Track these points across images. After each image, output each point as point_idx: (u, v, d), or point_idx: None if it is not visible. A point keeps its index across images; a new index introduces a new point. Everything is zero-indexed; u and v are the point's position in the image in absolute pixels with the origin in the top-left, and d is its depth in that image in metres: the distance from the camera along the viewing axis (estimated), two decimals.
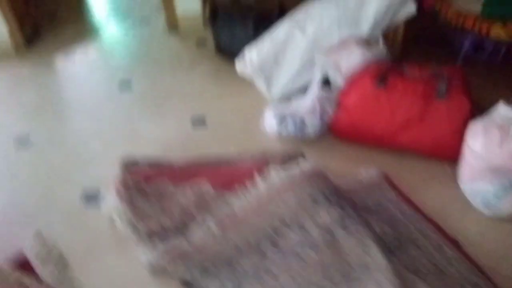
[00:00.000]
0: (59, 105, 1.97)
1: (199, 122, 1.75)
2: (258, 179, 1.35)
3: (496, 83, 1.85)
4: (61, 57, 2.31)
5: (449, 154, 1.46)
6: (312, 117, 1.57)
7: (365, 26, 1.65)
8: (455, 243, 1.21)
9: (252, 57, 1.76)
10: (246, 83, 1.85)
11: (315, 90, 1.60)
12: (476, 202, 1.34)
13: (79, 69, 2.23)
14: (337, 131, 1.60)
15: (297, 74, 1.76)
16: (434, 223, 1.28)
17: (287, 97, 1.76)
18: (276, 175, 1.34)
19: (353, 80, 1.55)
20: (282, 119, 1.61)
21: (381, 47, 1.67)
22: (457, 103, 1.41)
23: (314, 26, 1.66)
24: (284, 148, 1.57)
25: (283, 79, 1.78)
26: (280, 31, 1.73)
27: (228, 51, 2.06)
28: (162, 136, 1.68)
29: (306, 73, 1.75)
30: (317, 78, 1.63)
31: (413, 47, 1.93)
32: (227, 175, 1.43)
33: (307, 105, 1.59)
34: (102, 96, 2.00)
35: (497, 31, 1.61)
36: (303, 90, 1.71)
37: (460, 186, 1.40)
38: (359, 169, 1.47)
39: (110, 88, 2.03)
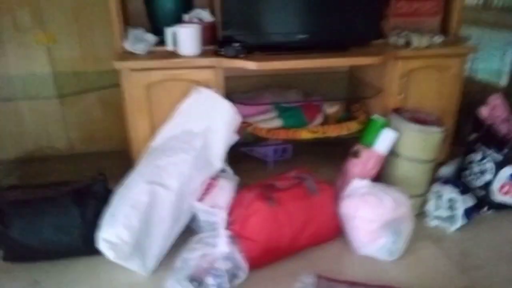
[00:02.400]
0: None
1: None
2: None
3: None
4: None
5: (334, 234, 1.74)
6: (229, 263, 1.49)
7: (218, 161, 1.74)
8: None
9: (122, 237, 1.47)
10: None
11: (222, 239, 1.52)
12: (383, 255, 1.66)
13: None
14: (253, 263, 1.57)
15: (169, 234, 1.62)
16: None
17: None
18: None
19: (246, 209, 1.60)
20: (199, 284, 1.44)
21: (230, 172, 1.80)
22: (326, 191, 1.72)
23: (176, 178, 1.60)
24: None
25: (157, 246, 1.58)
26: (139, 195, 1.55)
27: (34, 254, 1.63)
28: None
29: (177, 227, 1.64)
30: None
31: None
32: None
33: (219, 254, 1.50)
34: None
35: (306, 134, 2.05)
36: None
37: (357, 252, 1.70)
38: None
39: None
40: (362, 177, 1.82)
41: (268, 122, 2.04)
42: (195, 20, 1.90)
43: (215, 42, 1.89)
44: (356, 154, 1.87)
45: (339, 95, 2.38)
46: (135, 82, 1.76)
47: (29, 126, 2.38)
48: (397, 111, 1.97)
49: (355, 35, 1.95)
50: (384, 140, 1.84)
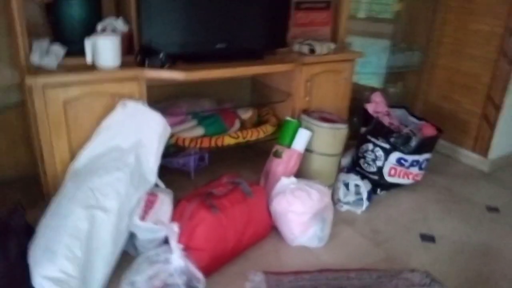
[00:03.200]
0: None
1: None
2: None
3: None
4: None
5: (267, 231, 1.87)
6: (184, 276, 1.49)
7: (152, 176, 1.69)
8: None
9: (66, 270, 1.35)
10: None
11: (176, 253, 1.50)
12: (313, 243, 1.85)
13: None
14: (203, 272, 1.59)
15: (111, 258, 1.53)
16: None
17: None
18: None
19: (190, 220, 1.60)
20: None
21: (163, 186, 1.78)
22: (259, 192, 1.84)
23: (114, 198, 1.52)
24: None
25: (100, 274, 1.49)
26: (78, 222, 1.43)
27: None
28: None
29: (117, 251, 1.57)
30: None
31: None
32: None
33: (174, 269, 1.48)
34: None
35: (229, 140, 2.11)
36: None
37: (291, 244, 1.86)
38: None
39: None
40: (286, 175, 1.99)
41: (190, 131, 2.06)
42: (109, 30, 1.80)
43: (132, 52, 1.83)
44: (278, 155, 2.02)
45: (246, 100, 2.51)
46: (50, 99, 1.60)
47: None
48: (306, 112, 2.19)
49: (267, 44, 2.10)
50: (300, 139, 2.03)
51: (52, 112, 1.62)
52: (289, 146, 2.05)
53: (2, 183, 2.06)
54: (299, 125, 2.07)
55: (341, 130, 2.08)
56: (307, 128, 2.06)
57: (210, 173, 2.28)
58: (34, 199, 1.68)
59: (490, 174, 2.64)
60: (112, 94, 1.71)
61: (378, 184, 2.33)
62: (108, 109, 1.71)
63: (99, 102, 1.70)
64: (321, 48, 2.15)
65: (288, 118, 2.11)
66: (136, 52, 1.78)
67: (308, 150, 2.08)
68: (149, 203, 1.64)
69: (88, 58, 1.67)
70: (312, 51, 2.15)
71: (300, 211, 1.80)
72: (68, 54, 1.74)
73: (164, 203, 1.66)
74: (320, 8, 2.36)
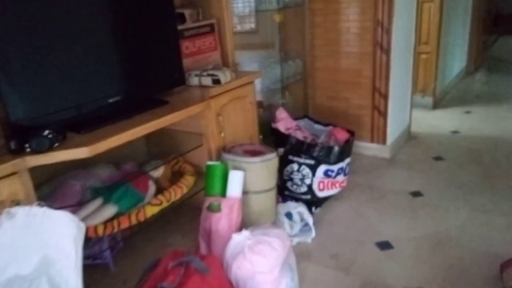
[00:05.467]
0: None
1: None
2: None
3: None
4: None
5: None
6: None
7: None
8: None
9: None
10: None
11: None
12: None
13: None
14: None
15: None
16: None
17: None
18: None
19: None
20: None
21: None
22: (214, 264, 1.49)
23: None
24: None
25: None
26: None
27: None
28: None
29: None
30: None
31: None
32: None
33: None
34: None
35: (152, 210, 1.70)
36: None
37: None
38: None
39: None
40: (232, 229, 1.70)
41: (98, 214, 1.59)
42: None
43: None
44: (215, 208, 1.71)
45: (143, 153, 2.11)
46: None
47: None
48: (225, 150, 1.92)
49: (164, 85, 1.76)
50: (234, 183, 1.76)
51: None
52: (222, 194, 1.75)
53: None
54: (226, 167, 1.80)
55: (273, 161, 1.88)
56: (235, 168, 1.80)
57: (132, 256, 1.83)
58: None
59: (392, 159, 2.78)
60: None
61: (311, 202, 2.21)
62: None
63: None
64: (225, 76, 1.91)
65: (210, 163, 1.81)
66: (8, 137, 1.26)
67: (242, 192, 1.81)
68: None
69: None
70: (216, 81, 1.88)
71: (267, 268, 1.53)
72: None
73: None
74: (205, 33, 2.10)
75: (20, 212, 1.19)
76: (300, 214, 2.00)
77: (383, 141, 2.79)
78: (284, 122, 2.35)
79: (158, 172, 1.87)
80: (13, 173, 1.22)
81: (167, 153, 2.08)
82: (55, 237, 1.22)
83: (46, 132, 1.25)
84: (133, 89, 1.70)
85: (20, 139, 1.24)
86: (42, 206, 1.23)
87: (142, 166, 1.93)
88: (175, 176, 1.95)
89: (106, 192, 1.68)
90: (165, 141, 2.10)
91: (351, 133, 2.34)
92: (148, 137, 2.17)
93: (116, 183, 1.74)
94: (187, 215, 2.02)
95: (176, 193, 1.77)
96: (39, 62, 1.35)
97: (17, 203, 1.22)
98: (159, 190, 1.81)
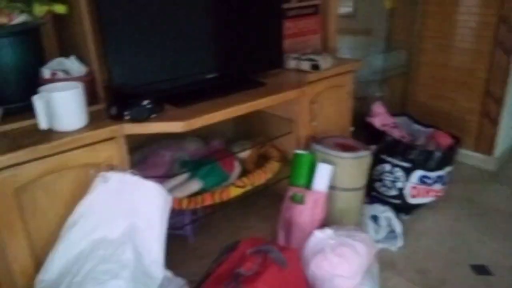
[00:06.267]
0: None
1: None
2: None
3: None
4: None
5: None
6: None
7: (158, 270, 1.23)
8: None
9: None
10: None
11: None
12: None
13: None
14: None
15: None
16: None
17: None
18: None
19: None
20: None
21: (173, 277, 1.31)
22: (293, 259, 1.42)
23: None
24: None
25: None
26: None
27: None
28: None
29: None
30: None
31: None
32: None
33: None
34: None
35: (235, 191, 1.67)
36: None
37: None
38: None
39: None
40: (314, 224, 1.61)
41: (184, 187, 1.60)
42: (60, 74, 1.30)
43: (95, 101, 1.34)
44: (298, 200, 1.63)
45: (230, 132, 2.09)
46: None
47: None
48: (315, 140, 1.83)
49: (262, 66, 1.70)
50: (322, 177, 1.66)
51: None
52: (306, 186, 1.67)
53: None
54: (314, 158, 1.70)
55: (366, 158, 1.74)
56: (324, 160, 1.69)
57: (209, 232, 1.83)
58: None
59: (498, 173, 2.46)
60: (83, 166, 1.21)
61: (400, 208, 2.03)
62: (78, 189, 1.21)
63: (65, 181, 1.20)
64: (325, 62, 1.79)
65: (299, 151, 1.72)
66: (109, 103, 1.29)
67: (329, 187, 1.71)
68: None
69: (42, 122, 1.16)
70: (315, 67, 1.78)
71: (348, 273, 1.43)
72: (4, 116, 1.22)
73: None
74: (308, 14, 1.99)
75: (114, 177, 1.22)
76: (387, 219, 1.84)
77: (490, 152, 2.48)
78: (380, 118, 2.18)
79: (245, 154, 1.83)
80: (110, 138, 1.25)
81: (254, 134, 2.03)
82: (144, 206, 1.24)
83: (146, 102, 1.25)
84: (231, 67, 1.66)
85: (121, 106, 1.26)
86: (135, 174, 1.24)
87: (230, 145, 1.90)
88: (260, 160, 1.89)
89: (192, 166, 1.68)
90: (253, 122, 2.05)
91: (456, 139, 2.10)
92: (236, 116, 2.14)
93: (203, 158, 1.73)
94: (268, 200, 1.97)
95: (260, 178, 1.72)
96: (145, 32, 1.36)
97: (111, 168, 1.25)
98: (244, 172, 1.77)
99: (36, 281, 1.14)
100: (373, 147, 2.06)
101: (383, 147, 2.03)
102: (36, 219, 1.17)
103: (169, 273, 1.29)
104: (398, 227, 1.82)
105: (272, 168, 1.78)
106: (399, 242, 1.81)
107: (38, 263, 1.17)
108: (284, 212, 1.72)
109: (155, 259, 1.23)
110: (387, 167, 2.01)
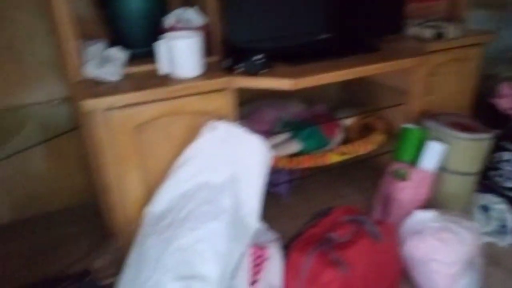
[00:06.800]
0: None
1: None
2: None
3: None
4: None
5: (397, 280, 1.42)
6: None
7: (254, 220, 1.27)
8: None
9: None
10: None
11: None
12: None
13: None
14: None
15: None
16: None
17: None
18: None
19: (312, 284, 1.18)
20: None
21: (266, 231, 1.35)
22: (389, 235, 1.37)
23: (213, 261, 1.10)
24: None
25: None
26: None
27: None
28: None
29: None
30: None
31: None
32: None
33: None
34: None
35: (335, 158, 1.65)
36: None
37: None
38: None
39: None
40: (415, 203, 1.52)
41: (284, 147, 1.61)
42: (181, 24, 1.36)
43: (209, 53, 1.39)
44: (401, 176, 1.55)
45: (336, 98, 2.02)
46: (116, 124, 1.18)
47: None
48: (428, 116, 1.69)
49: (380, 30, 1.59)
50: (432, 156, 1.54)
51: (119, 140, 1.20)
52: (412, 163, 1.56)
53: (56, 213, 1.71)
54: (425, 135, 1.58)
55: (485, 142, 1.57)
56: (436, 138, 1.56)
57: (303, 194, 1.83)
58: (95, 240, 1.34)
59: None
60: (194, 113, 1.28)
61: None
62: (189, 133, 1.28)
63: (178, 124, 1.27)
64: (451, 31, 1.62)
65: (408, 126, 1.61)
66: (223, 55, 1.32)
67: (438, 168, 1.58)
68: (258, 259, 1.21)
69: (164, 67, 1.24)
70: (439, 35, 1.62)
71: (448, 260, 1.33)
72: (129, 59, 1.33)
73: (275, 259, 1.23)
74: None
75: (222, 126, 1.27)
76: (500, 211, 1.66)
77: None
78: (507, 100, 1.93)
79: (349, 122, 1.77)
80: (222, 89, 1.28)
81: (359, 103, 1.95)
82: (246, 158, 1.27)
83: (259, 57, 1.26)
84: (345, 28, 1.58)
85: (234, 59, 1.28)
86: (242, 127, 1.27)
87: (333, 111, 1.85)
88: (364, 130, 1.82)
89: (294, 127, 1.67)
90: (359, 90, 1.96)
91: None
92: (343, 81, 2.06)
93: (305, 121, 1.71)
94: (366, 172, 1.89)
95: (362, 148, 1.65)
96: None
97: (220, 117, 1.29)
98: (345, 140, 1.72)
99: (144, 211, 1.26)
100: (495, 131, 1.86)
101: (505, 133, 1.81)
102: (149, 156, 1.27)
103: (262, 226, 1.33)
104: (511, 222, 1.64)
105: (376, 139, 1.70)
106: (510, 239, 1.63)
107: (147, 194, 1.28)
108: (383, 187, 1.64)
109: (251, 210, 1.27)
110: (507, 155, 1.80)
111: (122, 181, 1.25)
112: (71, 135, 1.56)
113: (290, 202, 1.78)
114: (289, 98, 1.82)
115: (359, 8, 1.58)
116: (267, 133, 1.66)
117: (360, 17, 1.60)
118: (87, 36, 1.33)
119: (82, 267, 1.30)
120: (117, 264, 1.25)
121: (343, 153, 1.61)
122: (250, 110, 1.75)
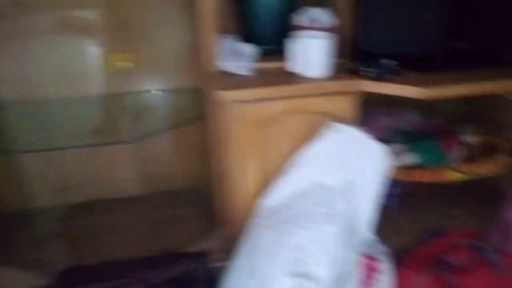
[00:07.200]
0: None
1: None
2: None
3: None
4: None
5: None
6: None
7: (366, 230, 1.25)
8: None
9: None
10: None
11: None
12: None
13: None
14: None
15: None
16: None
17: None
18: None
19: None
20: None
21: (377, 244, 1.31)
22: (510, 268, 1.26)
23: (323, 262, 1.09)
24: None
25: None
26: None
27: None
28: None
29: None
30: None
31: None
32: None
33: None
34: None
35: (454, 175, 1.56)
36: None
37: None
38: None
39: None
40: None
41: (400, 158, 1.54)
42: (312, 24, 1.36)
43: (338, 53, 1.38)
44: None
45: (452, 111, 1.89)
46: (246, 117, 1.23)
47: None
48: None
49: None
50: None
51: (244, 132, 1.24)
52: None
53: (172, 193, 1.85)
54: None
55: None
56: None
57: (412, 209, 1.74)
58: (204, 224, 1.41)
59: None
60: (316, 113, 1.28)
61: None
62: (307, 132, 1.28)
63: (298, 122, 1.29)
64: None
65: None
66: (352, 58, 1.31)
67: None
68: (370, 271, 1.18)
69: (294, 65, 1.26)
70: None
71: None
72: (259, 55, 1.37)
73: (387, 273, 1.19)
74: None
75: (344, 129, 1.25)
76: None
77: None
78: None
79: (471, 138, 1.65)
80: (347, 92, 1.27)
81: (480, 119, 1.80)
82: (366, 165, 1.24)
83: (387, 62, 1.22)
84: (481, 39, 1.47)
85: (362, 63, 1.26)
86: (363, 132, 1.25)
87: (451, 124, 1.74)
88: (485, 149, 1.68)
89: (409, 138, 1.60)
90: (483, 105, 1.82)
91: None
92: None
93: (422, 132, 1.63)
94: (482, 194, 1.75)
95: (485, 169, 1.53)
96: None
97: (342, 120, 1.28)
98: (466, 158, 1.61)
99: (259, 204, 1.29)
100: None
101: None
102: (268, 151, 1.30)
103: (374, 237, 1.29)
104: None
105: (499, 161, 1.56)
106: None
107: (262, 189, 1.31)
108: (503, 213, 1.50)
109: (365, 218, 1.24)
110: None
111: (242, 172, 1.29)
112: (194, 123, 1.66)
113: (397, 216, 1.70)
114: (405, 107, 1.74)
115: (498, 18, 1.46)
116: (382, 141, 1.61)
117: (498, 28, 1.48)
118: (220, 30, 1.40)
119: (193, 248, 1.38)
120: (226, 250, 1.31)
121: (463, 172, 1.51)
122: (364, 115, 1.71)
